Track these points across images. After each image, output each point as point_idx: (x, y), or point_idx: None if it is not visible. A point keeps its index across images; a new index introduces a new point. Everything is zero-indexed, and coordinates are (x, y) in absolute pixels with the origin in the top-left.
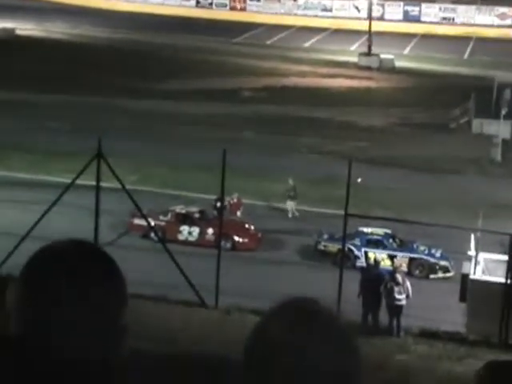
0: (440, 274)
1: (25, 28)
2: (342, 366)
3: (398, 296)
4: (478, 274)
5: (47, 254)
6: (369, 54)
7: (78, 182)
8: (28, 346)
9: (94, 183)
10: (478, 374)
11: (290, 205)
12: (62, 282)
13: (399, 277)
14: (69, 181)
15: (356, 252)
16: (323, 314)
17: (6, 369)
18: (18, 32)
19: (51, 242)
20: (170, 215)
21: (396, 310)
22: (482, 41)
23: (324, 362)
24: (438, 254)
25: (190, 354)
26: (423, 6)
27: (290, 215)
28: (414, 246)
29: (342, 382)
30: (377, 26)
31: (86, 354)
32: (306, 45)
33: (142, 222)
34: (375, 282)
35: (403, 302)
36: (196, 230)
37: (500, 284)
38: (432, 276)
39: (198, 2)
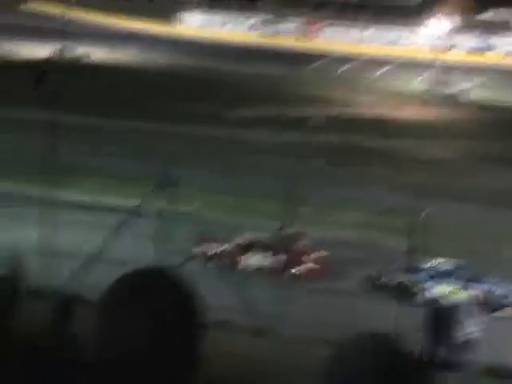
0: (508, 311)
1: (97, 52)
2: None
3: (468, 330)
4: None
5: (128, 282)
6: (438, 85)
7: (146, 207)
8: (100, 372)
9: (161, 209)
10: None
11: None
12: (139, 313)
13: (470, 310)
14: (136, 205)
15: (423, 285)
16: (397, 348)
17: None
18: (92, 56)
19: (131, 269)
20: (238, 242)
21: (465, 345)
22: None
23: None
24: (504, 288)
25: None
26: (494, 37)
27: None
28: (484, 279)
29: None
30: (447, 57)
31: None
32: (376, 75)
33: (210, 248)
34: (444, 316)
35: (472, 336)
36: (263, 258)
37: None
38: (499, 313)
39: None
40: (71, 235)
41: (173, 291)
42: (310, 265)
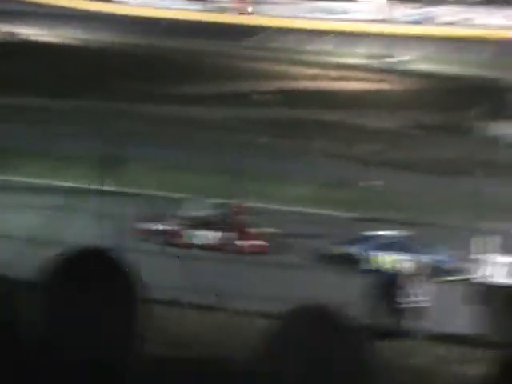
0: (453, 277)
1: (38, 34)
2: (358, 367)
3: (413, 298)
4: (493, 276)
5: (66, 261)
6: (381, 56)
7: (90, 187)
8: (42, 345)
9: (109, 189)
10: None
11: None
12: (79, 289)
13: (413, 280)
14: (83, 186)
15: (367, 255)
16: (338, 318)
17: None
18: (32, 38)
19: (67, 249)
20: (178, 219)
21: (410, 313)
22: (498, 42)
23: (340, 364)
24: (450, 257)
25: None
26: (438, 8)
27: None
28: (430, 248)
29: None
30: (389, 28)
31: (99, 356)
32: (317, 48)
33: (150, 226)
34: (388, 285)
35: (417, 305)
36: (205, 234)
37: None
38: (447, 278)
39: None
40: (18, 218)
41: (109, 270)
42: (255, 240)
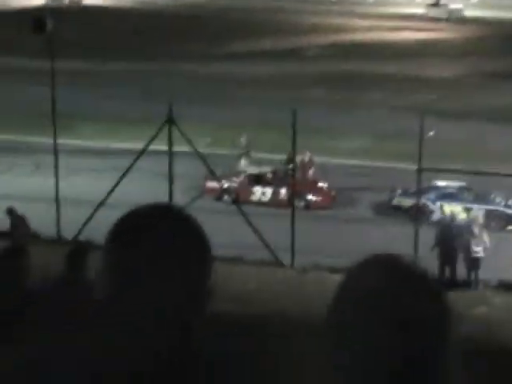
0: None
1: None
2: (434, 318)
3: (475, 248)
4: None
5: (133, 219)
6: (436, 4)
7: (150, 148)
8: (111, 310)
9: (165, 148)
10: None
11: (243, 163)
12: (150, 248)
13: (476, 229)
14: (140, 147)
15: (431, 206)
16: (410, 268)
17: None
18: (85, 2)
19: (135, 207)
20: (242, 177)
21: (474, 263)
22: None
23: (416, 314)
24: None
25: (268, 315)
26: None
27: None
28: (490, 197)
29: (432, 332)
30: None
31: (170, 318)
32: None
33: (216, 185)
34: (451, 235)
35: (481, 255)
36: (269, 191)
37: None
38: (510, 227)
39: None
40: (77, 182)
41: (179, 227)
42: (321, 195)
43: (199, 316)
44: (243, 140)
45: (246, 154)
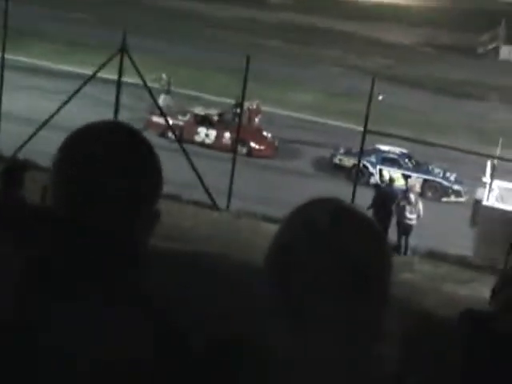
0: (453, 198)
1: None
2: (379, 266)
3: (409, 215)
4: (491, 200)
5: (86, 134)
6: None
7: (100, 75)
8: (65, 220)
9: (115, 77)
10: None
11: (163, 99)
12: (102, 163)
13: (412, 196)
14: (90, 73)
15: (371, 169)
16: (354, 211)
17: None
18: None
19: (88, 123)
20: (188, 116)
21: (406, 229)
22: None
23: (362, 261)
24: (452, 178)
25: (201, 253)
26: None
27: (165, 110)
28: (430, 167)
29: (376, 282)
30: None
31: (120, 234)
32: None
33: (161, 120)
34: (387, 200)
35: (414, 222)
36: (213, 133)
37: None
38: (444, 199)
39: None
40: (23, 100)
41: (131, 142)
42: (265, 143)
43: (145, 238)
44: (164, 77)
45: (166, 92)
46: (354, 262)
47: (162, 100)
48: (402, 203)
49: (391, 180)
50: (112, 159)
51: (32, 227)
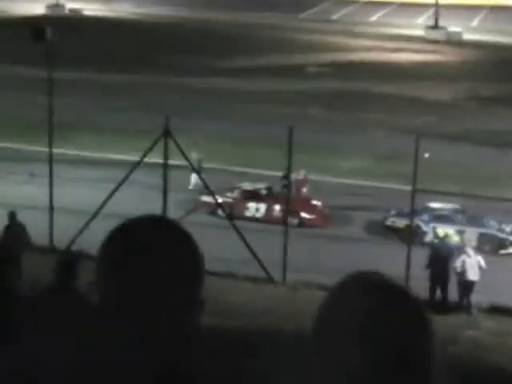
0: (510, 250)
1: (92, 8)
2: (417, 340)
3: (469, 271)
4: None
5: (125, 231)
6: (436, 27)
7: (146, 160)
8: (105, 317)
9: (161, 161)
10: None
11: (193, 177)
12: (141, 258)
13: (469, 252)
14: (136, 159)
15: (424, 228)
16: (394, 287)
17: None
18: (85, 12)
19: (127, 219)
20: (236, 192)
21: (467, 286)
22: None
23: (400, 335)
24: (508, 229)
25: (256, 330)
26: None
27: (190, 187)
28: (484, 220)
29: (416, 355)
30: None
31: (163, 329)
32: (372, 19)
33: (209, 199)
34: (444, 258)
35: (475, 278)
36: (263, 207)
37: None
38: (502, 252)
39: None
40: (73, 191)
41: (172, 238)
42: (311, 213)
43: (191, 327)
44: (194, 155)
45: (197, 171)
46: (392, 344)
47: (192, 179)
48: (460, 260)
49: (446, 237)
50: (155, 252)
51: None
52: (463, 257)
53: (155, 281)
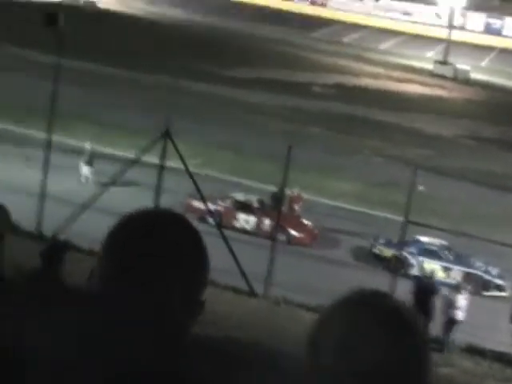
0: (494, 293)
1: (106, 1)
2: (423, 362)
3: (452, 310)
4: None
5: (133, 225)
6: (445, 62)
7: (142, 159)
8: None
9: (157, 161)
10: None
11: (85, 170)
12: (151, 253)
13: (453, 290)
14: (132, 156)
15: (411, 260)
16: (398, 311)
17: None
18: (100, 5)
19: (135, 211)
20: (228, 201)
21: (448, 324)
22: None
23: (405, 360)
24: (494, 272)
25: (233, 340)
26: (506, 19)
27: (83, 180)
28: (471, 260)
29: (416, 379)
30: (456, 36)
31: (163, 329)
32: (383, 47)
33: (200, 205)
34: (428, 292)
35: (460, 317)
36: (252, 219)
37: None
38: (485, 293)
39: None
40: (64, 180)
41: (180, 232)
42: (300, 231)
43: (190, 327)
44: (87, 145)
45: (89, 161)
46: (393, 367)
47: (83, 169)
48: (442, 297)
49: (431, 272)
50: (163, 248)
51: (69, 305)
52: (451, 295)
53: (157, 281)
